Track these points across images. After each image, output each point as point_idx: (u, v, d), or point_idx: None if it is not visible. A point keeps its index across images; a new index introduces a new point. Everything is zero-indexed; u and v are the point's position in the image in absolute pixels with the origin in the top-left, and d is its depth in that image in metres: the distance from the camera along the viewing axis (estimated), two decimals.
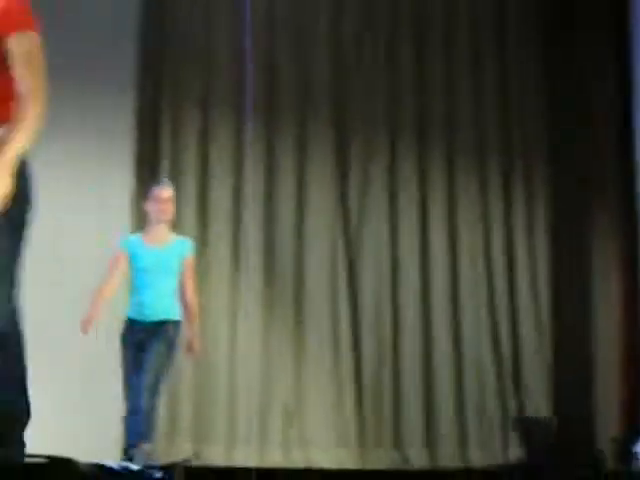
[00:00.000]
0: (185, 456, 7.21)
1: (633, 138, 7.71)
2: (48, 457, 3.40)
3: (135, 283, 6.01)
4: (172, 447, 7.35)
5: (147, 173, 7.22)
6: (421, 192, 8.07)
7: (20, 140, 3.19)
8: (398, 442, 7.78)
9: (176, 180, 7.09)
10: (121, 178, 7.16)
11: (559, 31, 8.59)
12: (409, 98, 8.14)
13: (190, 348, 6.04)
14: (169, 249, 6.03)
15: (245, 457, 7.37)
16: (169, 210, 5.95)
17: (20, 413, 3.48)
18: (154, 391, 5.83)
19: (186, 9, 7.54)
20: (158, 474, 3.47)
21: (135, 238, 6.11)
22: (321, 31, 8.01)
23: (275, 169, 7.65)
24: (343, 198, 8.02)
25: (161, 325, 5.90)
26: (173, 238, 6.08)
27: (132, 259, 5.97)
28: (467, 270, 8.22)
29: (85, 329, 5.76)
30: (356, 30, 8.17)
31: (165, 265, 5.97)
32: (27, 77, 3.31)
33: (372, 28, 8.14)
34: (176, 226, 6.47)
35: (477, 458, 7.82)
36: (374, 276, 8.04)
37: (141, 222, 6.76)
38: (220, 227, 7.41)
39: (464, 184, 8.21)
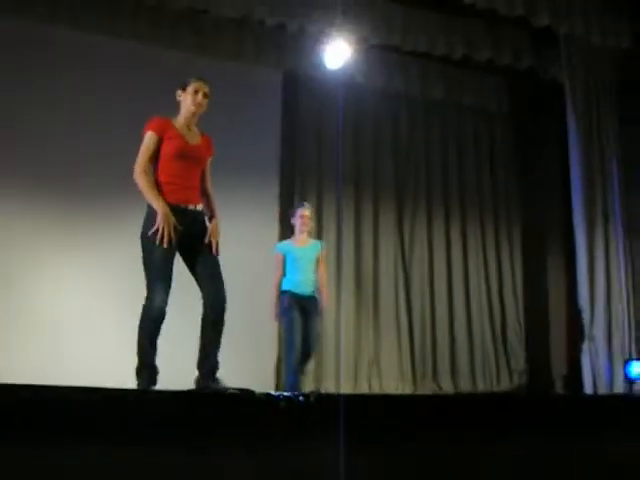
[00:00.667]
0: (314, 388, 9.04)
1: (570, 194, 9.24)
2: (240, 389, 4.46)
3: (289, 271, 7.48)
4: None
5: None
6: (446, 236, 10.68)
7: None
8: (435, 376, 10.21)
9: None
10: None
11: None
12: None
13: (320, 314, 7.58)
14: (310, 248, 7.62)
15: (345, 388, 9.41)
16: (309, 224, 7.61)
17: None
18: (313, 344, 7.46)
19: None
20: (302, 398, 3.88)
21: (287, 243, 7.71)
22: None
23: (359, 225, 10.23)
24: (402, 240, 10.48)
25: (310, 298, 7.45)
26: (311, 241, 7.71)
27: (286, 256, 7.50)
28: (475, 276, 10.84)
29: (272, 316, 7.46)
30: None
31: (308, 258, 7.55)
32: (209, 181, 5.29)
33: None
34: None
35: (482, 386, 10.24)
36: (418, 277, 10.47)
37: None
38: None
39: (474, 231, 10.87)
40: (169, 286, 4.98)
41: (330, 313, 9.45)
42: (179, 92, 5.33)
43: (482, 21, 9.19)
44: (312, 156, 10.13)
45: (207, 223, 5.24)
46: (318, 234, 9.75)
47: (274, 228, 9.56)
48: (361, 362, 9.91)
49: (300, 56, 9.62)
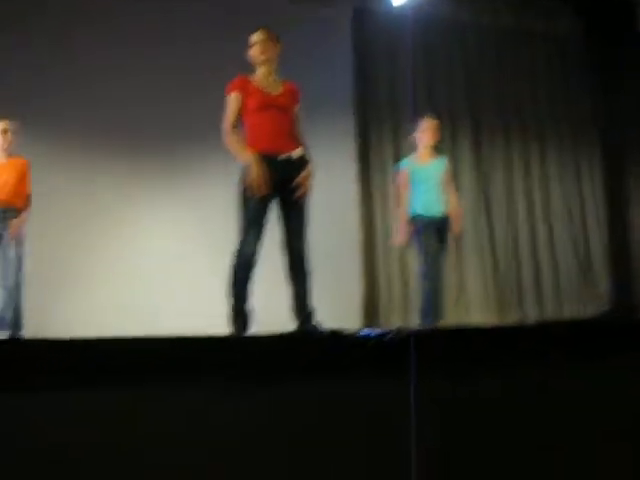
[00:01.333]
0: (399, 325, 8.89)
1: None
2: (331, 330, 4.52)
3: (416, 191, 7.10)
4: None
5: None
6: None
7: None
8: (521, 304, 10.12)
9: None
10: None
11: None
12: None
13: (456, 232, 7.20)
14: (436, 165, 7.27)
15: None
16: (436, 136, 7.23)
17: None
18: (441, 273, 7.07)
19: None
20: (391, 335, 3.86)
21: (410, 160, 7.31)
22: None
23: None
24: (480, 166, 10.37)
25: (443, 221, 7.08)
26: (436, 157, 7.33)
27: (412, 175, 7.14)
28: (557, 201, 10.72)
29: (401, 240, 7.14)
30: None
31: (436, 175, 7.18)
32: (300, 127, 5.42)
33: None
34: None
35: (568, 313, 10.08)
36: (498, 204, 10.35)
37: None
38: None
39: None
40: (261, 234, 5.14)
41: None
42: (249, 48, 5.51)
43: None
44: (385, 90, 10.09)
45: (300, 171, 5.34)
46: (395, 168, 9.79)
47: (351, 165, 9.63)
48: (445, 292, 9.76)
49: None
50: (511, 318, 9.92)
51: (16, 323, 6.28)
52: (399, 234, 7.18)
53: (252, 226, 5.12)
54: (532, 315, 10.16)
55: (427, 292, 6.94)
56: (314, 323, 5.16)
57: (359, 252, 9.47)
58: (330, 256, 7.81)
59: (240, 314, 5.16)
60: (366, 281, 9.43)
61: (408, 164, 7.28)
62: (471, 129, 10.54)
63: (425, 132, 7.21)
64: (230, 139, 5.29)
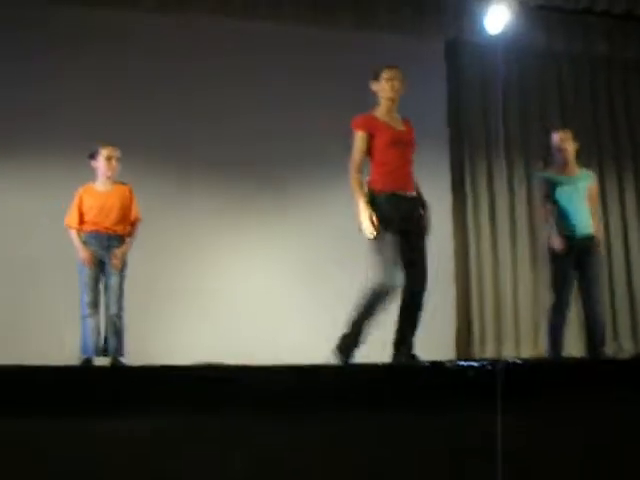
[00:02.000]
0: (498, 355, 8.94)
1: None
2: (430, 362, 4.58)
3: (557, 207, 6.59)
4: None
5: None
6: None
7: None
8: (616, 336, 9.76)
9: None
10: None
11: None
12: None
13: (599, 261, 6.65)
14: (581, 178, 6.73)
15: (524, 351, 9.34)
16: (570, 150, 6.69)
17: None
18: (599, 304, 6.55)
19: None
20: (489, 367, 3.95)
21: (551, 173, 6.81)
22: None
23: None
24: None
25: (587, 240, 6.55)
26: (581, 170, 6.83)
27: (554, 189, 6.61)
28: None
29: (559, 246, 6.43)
30: None
31: (580, 190, 6.64)
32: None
33: None
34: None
35: None
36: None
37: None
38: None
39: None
40: (397, 268, 5.15)
41: (506, 269, 9.67)
42: (373, 82, 5.54)
43: None
44: (479, 121, 10.16)
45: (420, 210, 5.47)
46: (491, 199, 9.92)
47: (447, 197, 9.74)
48: (540, 322, 9.36)
49: (460, 23, 9.62)
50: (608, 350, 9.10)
51: (118, 350, 6.37)
52: (556, 242, 6.52)
53: (388, 260, 5.15)
54: (629, 347, 9.95)
55: (554, 327, 6.60)
56: (412, 355, 5.25)
57: (453, 283, 9.51)
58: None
59: (356, 343, 5.20)
60: (459, 312, 9.48)
61: (549, 177, 6.82)
62: None
63: (563, 143, 6.74)
64: (354, 179, 5.32)
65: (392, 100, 5.47)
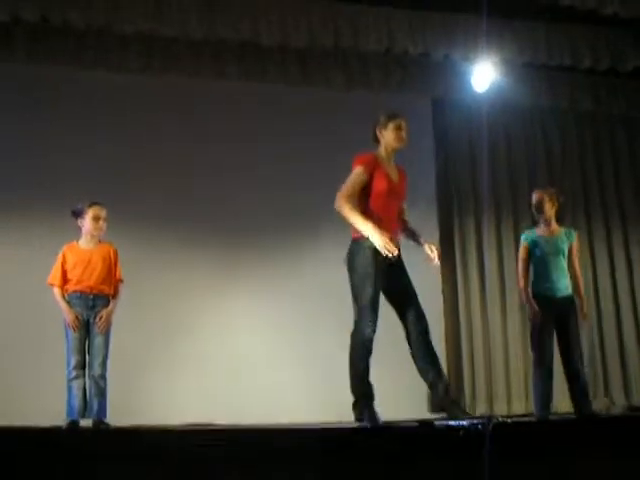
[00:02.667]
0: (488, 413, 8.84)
1: None
2: (419, 422, 4.55)
3: (537, 268, 6.63)
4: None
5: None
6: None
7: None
8: (607, 390, 9.82)
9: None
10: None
11: None
12: None
13: (583, 316, 6.72)
14: (561, 237, 6.70)
15: (516, 408, 9.40)
16: (551, 210, 6.70)
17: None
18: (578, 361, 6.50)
19: None
20: (480, 427, 3.88)
21: (532, 232, 6.81)
22: None
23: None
24: None
25: (566, 301, 6.54)
26: (562, 229, 6.81)
27: (533, 249, 6.66)
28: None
29: (534, 314, 6.49)
30: None
31: (560, 250, 6.62)
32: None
33: None
34: None
35: None
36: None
37: None
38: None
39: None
40: (377, 316, 5.16)
41: (496, 327, 9.75)
42: (378, 128, 5.52)
43: (627, 30, 9.01)
44: (467, 177, 10.27)
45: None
46: (479, 254, 9.99)
47: None
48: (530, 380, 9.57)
49: (447, 81, 9.69)
50: (598, 404, 9.60)
51: (101, 412, 6.27)
52: (530, 309, 6.61)
53: (371, 309, 5.13)
54: (619, 402, 9.98)
55: (537, 385, 6.61)
56: (457, 405, 5.35)
57: (443, 341, 9.42)
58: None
59: (368, 399, 5.14)
60: (450, 370, 9.40)
61: (529, 237, 6.82)
62: None
63: (542, 203, 6.73)
64: (347, 206, 5.24)
65: (394, 149, 5.50)
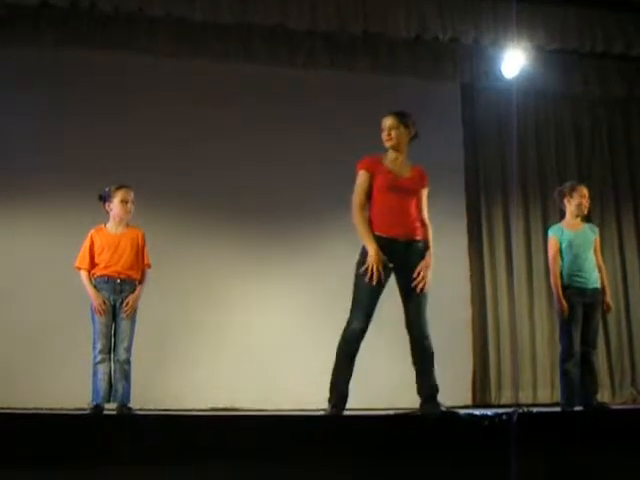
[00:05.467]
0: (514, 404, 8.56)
1: None
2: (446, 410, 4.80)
3: (566, 261, 6.69)
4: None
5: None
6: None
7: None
8: (634, 381, 9.78)
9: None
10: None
11: None
12: None
13: (607, 307, 6.77)
14: (586, 232, 6.83)
15: (542, 397, 9.37)
16: (588, 205, 6.88)
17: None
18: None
19: None
20: (504, 417, 3.94)
21: (559, 227, 6.86)
22: None
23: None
24: None
25: (594, 293, 6.67)
26: (585, 224, 6.94)
27: (562, 243, 6.71)
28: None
29: (563, 309, 6.52)
30: None
31: (587, 244, 6.73)
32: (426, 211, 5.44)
33: None
34: None
35: None
36: (612, 278, 9.34)
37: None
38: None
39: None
40: (370, 316, 5.22)
41: (522, 314, 9.67)
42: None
43: None
44: (495, 165, 10.18)
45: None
46: (507, 243, 9.91)
47: (463, 242, 9.74)
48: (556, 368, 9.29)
49: (476, 67, 9.63)
50: (624, 396, 9.74)
51: (125, 396, 6.27)
52: (560, 305, 6.62)
53: (362, 308, 5.22)
54: None
55: (565, 372, 6.60)
56: (437, 402, 5.14)
57: (469, 328, 9.51)
58: (440, 333, 7.79)
59: (336, 394, 5.19)
60: (476, 357, 9.47)
61: (557, 231, 6.87)
62: None
63: (579, 199, 6.80)
64: (359, 219, 5.37)
65: (392, 149, 5.53)
